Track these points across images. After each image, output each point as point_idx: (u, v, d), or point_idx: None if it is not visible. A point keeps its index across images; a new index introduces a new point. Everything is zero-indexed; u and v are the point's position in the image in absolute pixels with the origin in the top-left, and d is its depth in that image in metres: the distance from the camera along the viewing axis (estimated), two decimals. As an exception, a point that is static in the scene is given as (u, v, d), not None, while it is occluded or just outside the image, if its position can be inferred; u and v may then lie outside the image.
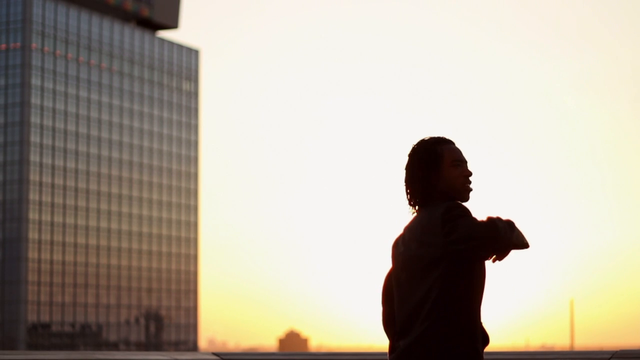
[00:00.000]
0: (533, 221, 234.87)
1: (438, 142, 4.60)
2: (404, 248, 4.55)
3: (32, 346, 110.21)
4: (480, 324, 4.54)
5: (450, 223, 4.39)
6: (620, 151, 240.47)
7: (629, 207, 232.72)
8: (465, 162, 4.60)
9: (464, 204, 4.54)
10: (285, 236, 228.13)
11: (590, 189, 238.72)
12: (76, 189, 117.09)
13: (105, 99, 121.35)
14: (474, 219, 4.37)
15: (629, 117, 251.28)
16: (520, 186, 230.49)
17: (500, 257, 4.45)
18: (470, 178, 4.59)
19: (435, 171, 4.55)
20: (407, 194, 4.62)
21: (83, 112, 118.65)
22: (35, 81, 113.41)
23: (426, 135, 4.67)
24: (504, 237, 4.33)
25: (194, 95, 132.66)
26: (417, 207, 4.60)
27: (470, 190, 4.58)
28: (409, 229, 4.58)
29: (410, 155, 4.62)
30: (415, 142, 4.64)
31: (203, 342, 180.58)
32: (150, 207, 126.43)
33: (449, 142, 4.62)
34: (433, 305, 4.42)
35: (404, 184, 4.63)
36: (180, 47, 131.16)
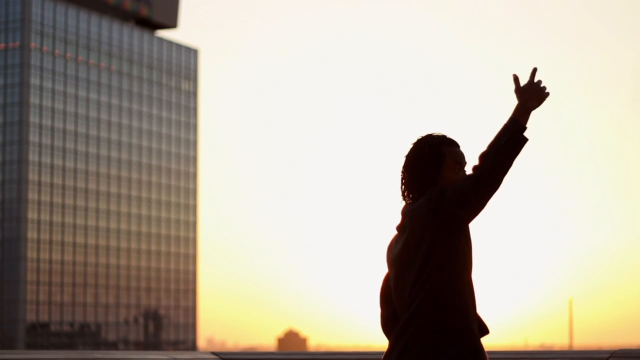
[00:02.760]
0: (532, 221, 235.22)
1: (443, 142, 4.57)
2: (396, 247, 4.57)
3: (31, 346, 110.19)
4: (476, 312, 4.51)
5: (437, 195, 4.39)
6: (620, 151, 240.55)
7: (628, 206, 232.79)
8: (466, 165, 4.58)
9: None
10: (285, 236, 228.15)
11: (589, 189, 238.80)
12: (75, 189, 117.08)
13: (104, 98, 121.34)
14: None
15: (628, 118, 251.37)
16: (519, 186, 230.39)
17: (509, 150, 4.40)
18: None
19: (435, 171, 4.53)
20: (403, 184, 4.61)
21: (82, 111, 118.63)
22: (34, 80, 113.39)
23: (434, 131, 4.64)
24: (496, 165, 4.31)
25: (192, 94, 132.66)
26: (409, 200, 4.59)
27: None
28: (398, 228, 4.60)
29: (414, 148, 4.59)
30: (421, 136, 4.61)
31: (202, 342, 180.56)
32: (149, 206, 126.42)
33: (454, 145, 4.59)
34: (422, 286, 4.42)
35: (401, 172, 4.62)
36: (179, 46, 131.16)
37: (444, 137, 4.60)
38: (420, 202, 4.46)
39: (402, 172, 4.61)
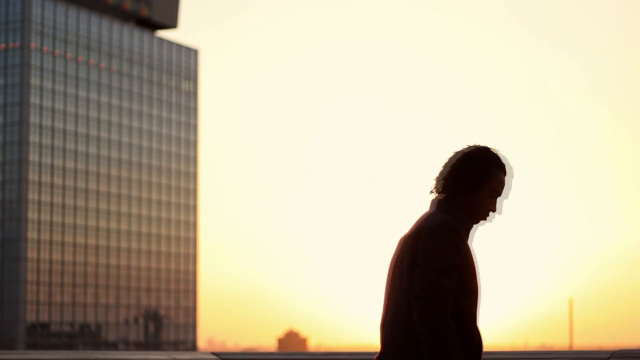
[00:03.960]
0: (532, 220, 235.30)
1: (497, 164, 4.58)
2: (400, 251, 4.58)
3: (31, 346, 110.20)
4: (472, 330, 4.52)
5: (424, 254, 4.41)
6: (620, 151, 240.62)
7: (628, 206, 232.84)
8: (499, 196, 4.60)
9: (468, 224, 4.54)
10: (285, 236, 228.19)
11: (589, 188, 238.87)
12: (75, 189, 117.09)
13: (104, 98, 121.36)
14: (441, 274, 4.36)
15: (628, 117, 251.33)
16: (519, 186, 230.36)
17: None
18: (494, 213, 4.60)
19: (474, 185, 4.54)
20: (437, 179, 4.59)
21: (82, 111, 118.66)
22: (34, 81, 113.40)
23: (493, 146, 4.63)
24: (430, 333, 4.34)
25: (193, 94, 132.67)
26: (434, 197, 4.59)
27: (485, 221, 4.60)
28: (412, 227, 4.58)
29: (469, 153, 4.58)
30: (480, 145, 4.61)
31: (202, 342, 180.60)
32: (149, 206, 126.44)
33: (503, 171, 4.60)
34: (403, 316, 4.48)
35: (442, 167, 4.60)
36: (179, 46, 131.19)
37: (499, 158, 4.60)
38: (422, 229, 4.46)
39: (445, 165, 4.59)
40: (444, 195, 4.55)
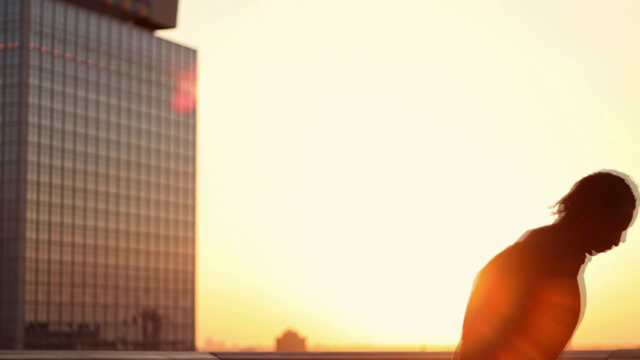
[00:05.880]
0: (533, 220, 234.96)
1: (630, 200, 4.26)
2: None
3: (30, 346, 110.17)
4: None
5: (504, 270, 4.16)
6: (621, 150, 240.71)
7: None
8: (625, 229, 4.35)
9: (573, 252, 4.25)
10: (283, 235, 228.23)
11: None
12: (74, 189, 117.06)
13: (103, 98, 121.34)
14: (499, 311, 4.08)
15: (629, 116, 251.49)
16: (519, 185, 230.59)
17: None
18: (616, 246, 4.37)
19: (604, 216, 4.25)
20: (564, 200, 4.30)
21: (81, 111, 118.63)
22: (33, 81, 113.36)
23: (629, 177, 4.31)
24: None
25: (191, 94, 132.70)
26: (554, 208, 4.31)
27: (600, 253, 4.36)
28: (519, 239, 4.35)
29: (602, 184, 4.26)
30: (616, 174, 4.29)
31: (201, 342, 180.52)
32: (147, 206, 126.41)
33: (633, 205, 4.28)
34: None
35: (572, 188, 4.31)
36: (178, 46, 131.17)
37: (631, 191, 4.28)
38: (517, 250, 4.21)
39: (575, 186, 4.30)
40: (568, 216, 4.26)
